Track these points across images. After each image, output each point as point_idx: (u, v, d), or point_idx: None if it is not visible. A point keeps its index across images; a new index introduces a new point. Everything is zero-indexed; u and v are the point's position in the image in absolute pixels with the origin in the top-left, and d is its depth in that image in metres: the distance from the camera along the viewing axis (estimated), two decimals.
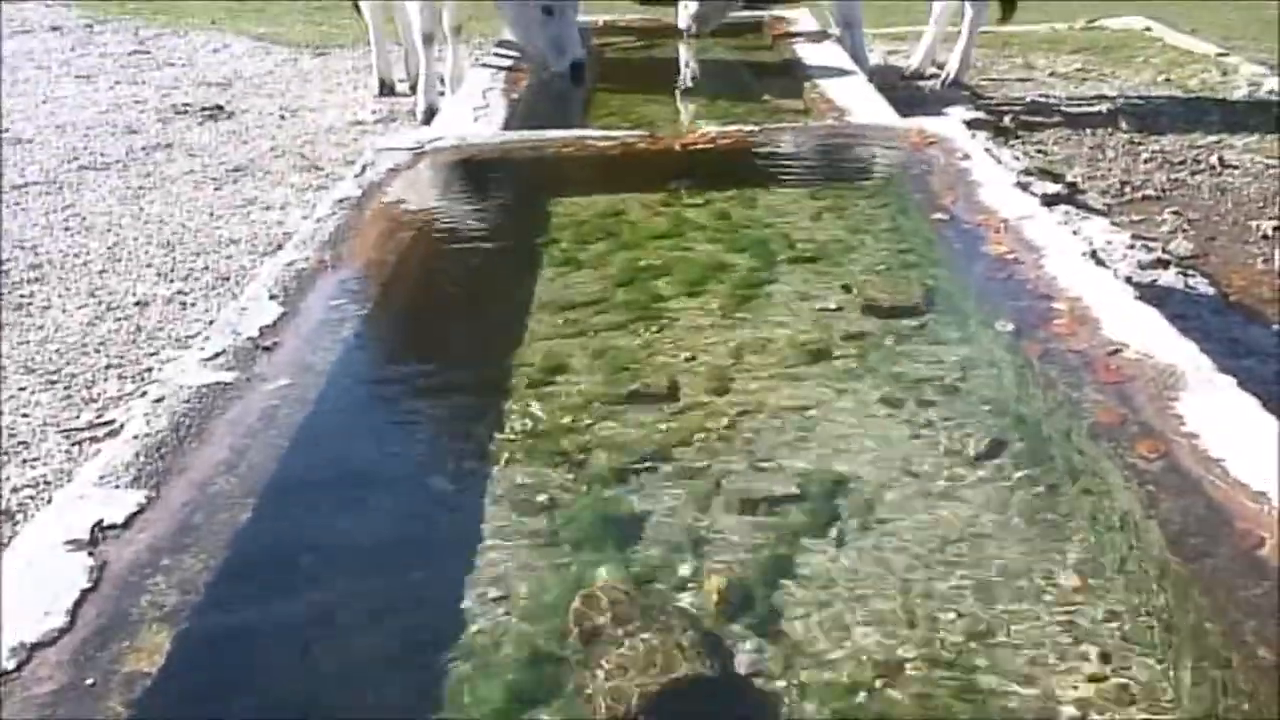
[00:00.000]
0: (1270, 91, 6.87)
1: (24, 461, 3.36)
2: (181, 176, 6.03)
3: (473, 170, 3.63)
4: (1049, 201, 4.48)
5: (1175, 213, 5.03)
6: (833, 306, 2.75)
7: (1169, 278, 4.28)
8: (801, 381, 2.43)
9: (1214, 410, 1.91)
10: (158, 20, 10.28)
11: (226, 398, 2.12)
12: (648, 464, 2.13)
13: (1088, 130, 6.25)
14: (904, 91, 6.63)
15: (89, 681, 1.45)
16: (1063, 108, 6.69)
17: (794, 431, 2.24)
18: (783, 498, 2.01)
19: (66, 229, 5.27)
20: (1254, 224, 4.87)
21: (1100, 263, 2.61)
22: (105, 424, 3.50)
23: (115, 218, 5.42)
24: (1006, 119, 6.39)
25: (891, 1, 9.07)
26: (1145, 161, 5.74)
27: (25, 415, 3.62)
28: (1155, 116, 6.47)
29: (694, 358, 2.54)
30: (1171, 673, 1.58)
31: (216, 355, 2.27)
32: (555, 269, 3.05)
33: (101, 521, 1.74)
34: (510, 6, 5.35)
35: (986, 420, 2.23)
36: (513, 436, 2.26)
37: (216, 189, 5.83)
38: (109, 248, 5.03)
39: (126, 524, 1.74)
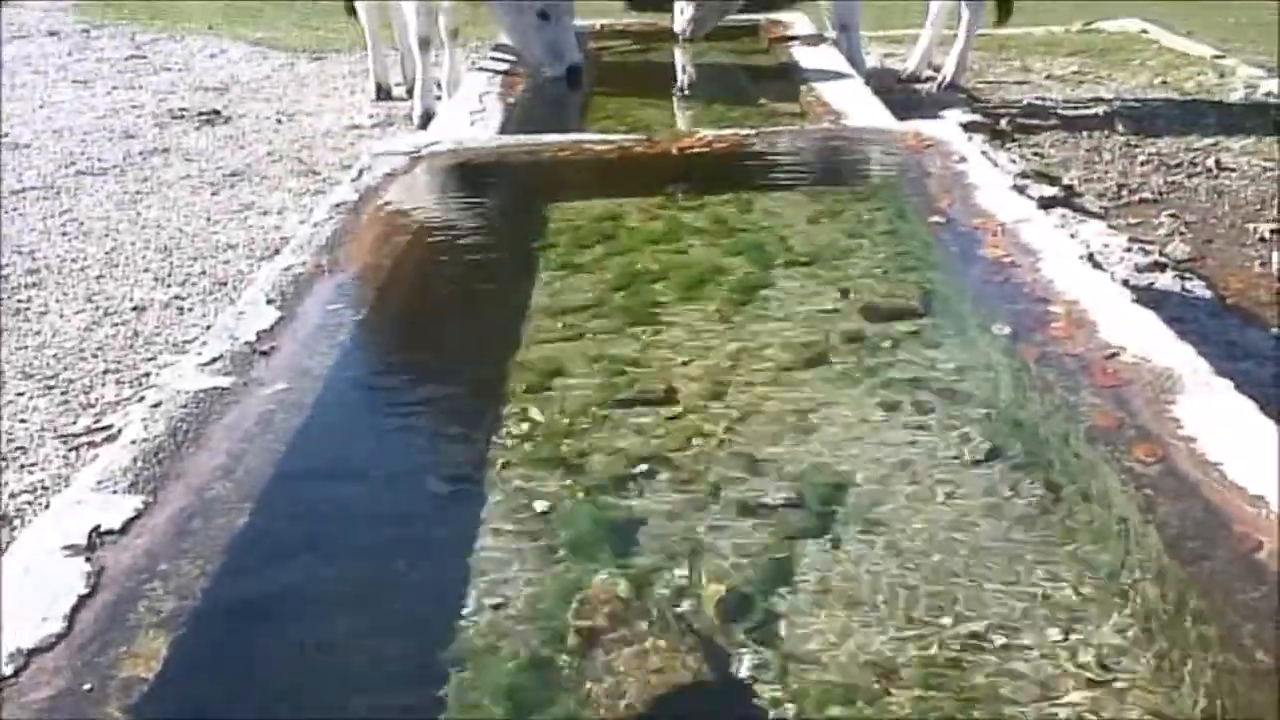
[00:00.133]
0: (1267, 94, 6.88)
1: (21, 467, 3.36)
2: (178, 181, 6.03)
3: (469, 174, 3.63)
4: (1046, 204, 4.48)
5: (1172, 215, 5.03)
6: (830, 310, 2.75)
7: (1166, 281, 4.28)
8: (798, 385, 2.43)
9: (1211, 413, 1.91)
10: (154, 25, 10.28)
11: (224, 403, 2.12)
12: (645, 468, 2.13)
13: (1084, 133, 6.26)
14: (900, 94, 6.63)
15: (86, 687, 1.44)
16: (1059, 110, 6.69)
17: (791, 435, 2.24)
18: (780, 502, 2.01)
19: (64, 234, 5.27)
20: (1251, 227, 4.87)
21: (1097, 266, 2.62)
22: (103, 429, 3.50)
23: (112, 223, 5.42)
24: (1003, 122, 6.40)
25: (888, 4, 9.08)
26: (1142, 164, 5.75)
27: (23, 420, 3.62)
28: (1152, 119, 6.47)
29: (691, 362, 2.54)
30: (1169, 677, 1.58)
31: (214, 360, 2.27)
32: (552, 273, 3.05)
33: (99, 527, 1.74)
34: (506, 11, 5.35)
35: (984, 424, 2.23)
36: (510, 441, 2.26)
37: (214, 194, 5.83)
38: (106, 253, 5.03)
39: (124, 529, 1.74)
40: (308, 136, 6.75)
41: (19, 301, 4.52)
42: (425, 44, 6.36)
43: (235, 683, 1.63)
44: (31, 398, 3.76)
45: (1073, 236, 3.56)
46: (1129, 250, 4.52)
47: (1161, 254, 4.55)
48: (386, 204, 3.22)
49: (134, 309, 4.44)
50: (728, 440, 2.23)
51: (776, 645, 1.68)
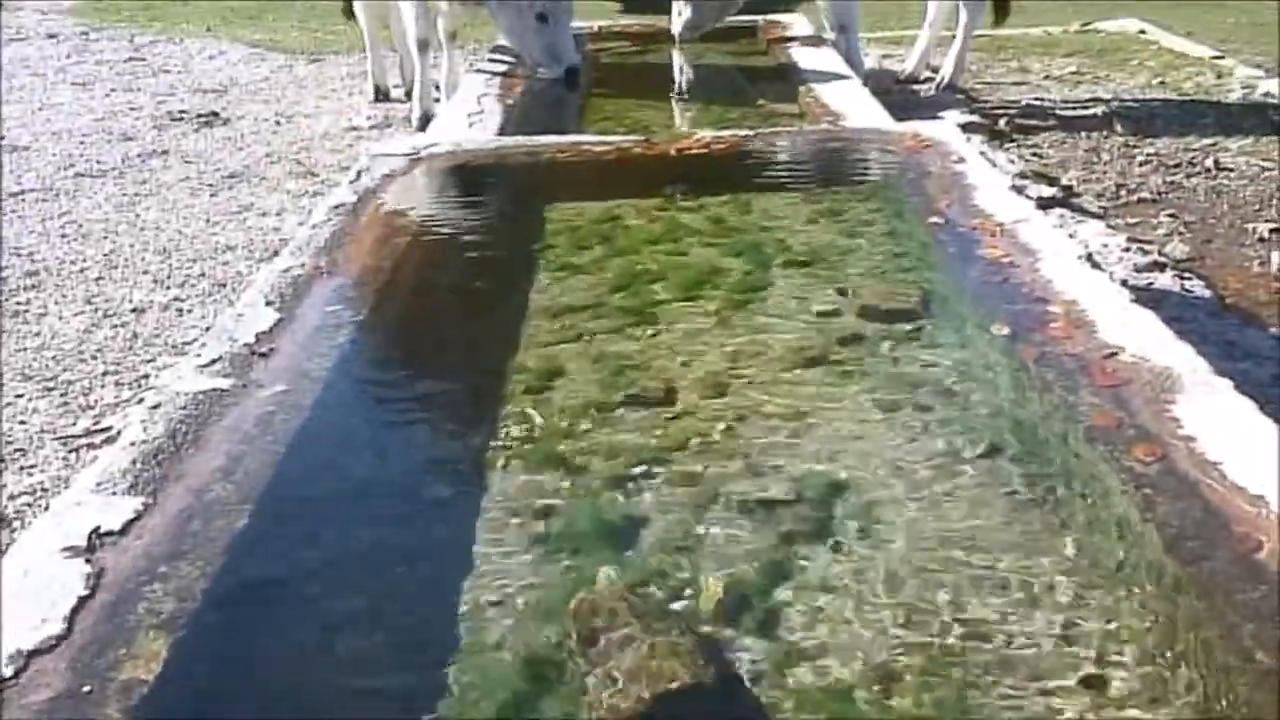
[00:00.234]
0: (1266, 94, 6.88)
1: (21, 469, 3.36)
2: (177, 183, 6.03)
3: (468, 176, 3.63)
4: (1044, 205, 4.48)
5: (1171, 215, 5.03)
6: (829, 310, 2.75)
7: (1165, 281, 4.28)
8: (798, 386, 2.43)
9: (1211, 413, 1.91)
10: (153, 27, 10.28)
11: (223, 404, 2.12)
12: (645, 469, 2.13)
13: (1083, 133, 6.25)
14: (899, 95, 6.62)
15: (86, 689, 1.44)
16: (1058, 111, 6.69)
17: (791, 436, 2.24)
18: (780, 502, 2.01)
19: (63, 236, 5.27)
20: (1250, 226, 4.87)
21: (1096, 266, 2.61)
22: (102, 431, 3.50)
23: (112, 225, 5.41)
24: (1002, 122, 6.39)
25: (886, 5, 9.08)
26: (1140, 164, 5.75)
27: (22, 422, 3.62)
28: (1150, 119, 6.47)
29: (690, 362, 2.54)
30: (1169, 676, 1.58)
31: (213, 362, 2.27)
32: (551, 274, 3.05)
33: (99, 528, 1.74)
34: (505, 12, 5.36)
35: (983, 424, 2.23)
36: (509, 442, 2.26)
37: (212, 195, 5.82)
38: (105, 255, 5.03)
39: (124, 531, 1.74)
40: (306, 138, 6.75)
41: (18, 303, 4.51)
42: (424, 46, 6.36)
43: (235, 684, 1.63)
44: (31, 399, 3.76)
45: (1071, 236, 3.56)
46: (1128, 250, 4.52)
47: (1160, 254, 4.55)
48: (385, 206, 3.22)
49: (133, 311, 4.44)
50: (727, 440, 2.23)
51: (776, 644, 1.68)
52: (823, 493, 2.03)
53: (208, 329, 3.55)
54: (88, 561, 1.67)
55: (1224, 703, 1.47)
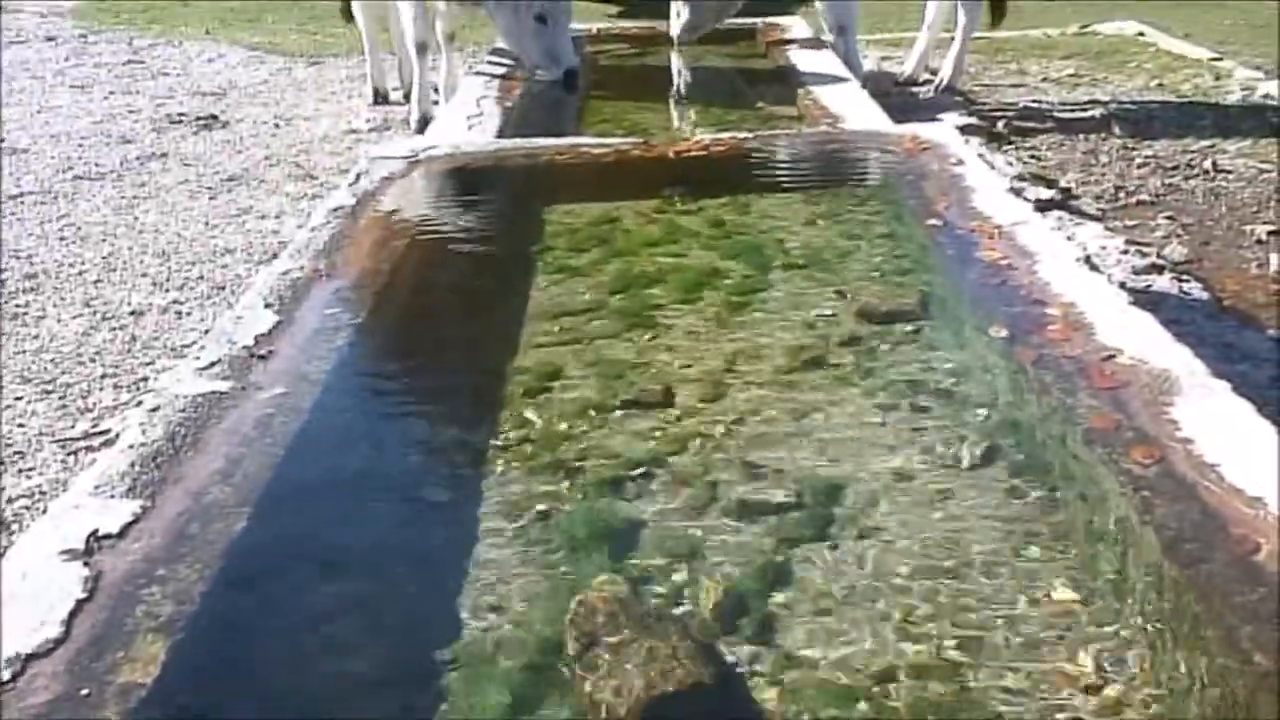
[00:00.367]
0: (1264, 96, 6.88)
1: (20, 471, 3.35)
2: (176, 186, 6.03)
3: (467, 178, 3.63)
4: (1042, 207, 4.48)
5: (1169, 218, 5.03)
6: (827, 313, 2.75)
7: (1163, 283, 4.28)
8: (796, 388, 2.43)
9: (1209, 415, 1.91)
10: (152, 30, 10.28)
11: (222, 407, 2.12)
12: (643, 471, 2.13)
13: (1081, 135, 6.26)
14: (897, 97, 6.62)
15: (84, 692, 1.44)
16: (1056, 113, 6.69)
17: (789, 438, 2.24)
18: (778, 504, 2.01)
19: (62, 239, 5.27)
20: (1248, 229, 4.87)
21: (1094, 268, 2.61)
22: (101, 434, 3.49)
23: (110, 227, 5.41)
24: (1000, 124, 6.40)
25: (885, 7, 9.09)
26: (1139, 166, 5.75)
27: (21, 425, 3.62)
28: (1148, 121, 6.47)
29: (689, 365, 2.54)
30: (1168, 679, 1.58)
31: (212, 364, 2.27)
32: (549, 277, 3.06)
33: (97, 531, 1.74)
34: (503, 14, 5.36)
35: (981, 426, 2.23)
36: (508, 444, 2.26)
37: (211, 198, 5.82)
38: (104, 257, 5.02)
39: (122, 534, 1.74)
40: (305, 141, 6.75)
41: (17, 306, 4.51)
42: (422, 48, 6.36)
43: (233, 687, 1.63)
44: (29, 402, 3.76)
45: (1070, 239, 3.56)
46: (1126, 252, 4.52)
47: (1159, 256, 4.55)
48: (384, 208, 3.22)
49: (132, 314, 4.43)
50: (725, 443, 2.23)
51: (774, 647, 1.68)
52: (821, 495, 2.04)
53: (206, 332, 3.55)
54: (86, 564, 1.67)
55: (1224, 705, 1.47)
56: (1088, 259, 2.67)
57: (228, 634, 1.67)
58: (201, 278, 4.78)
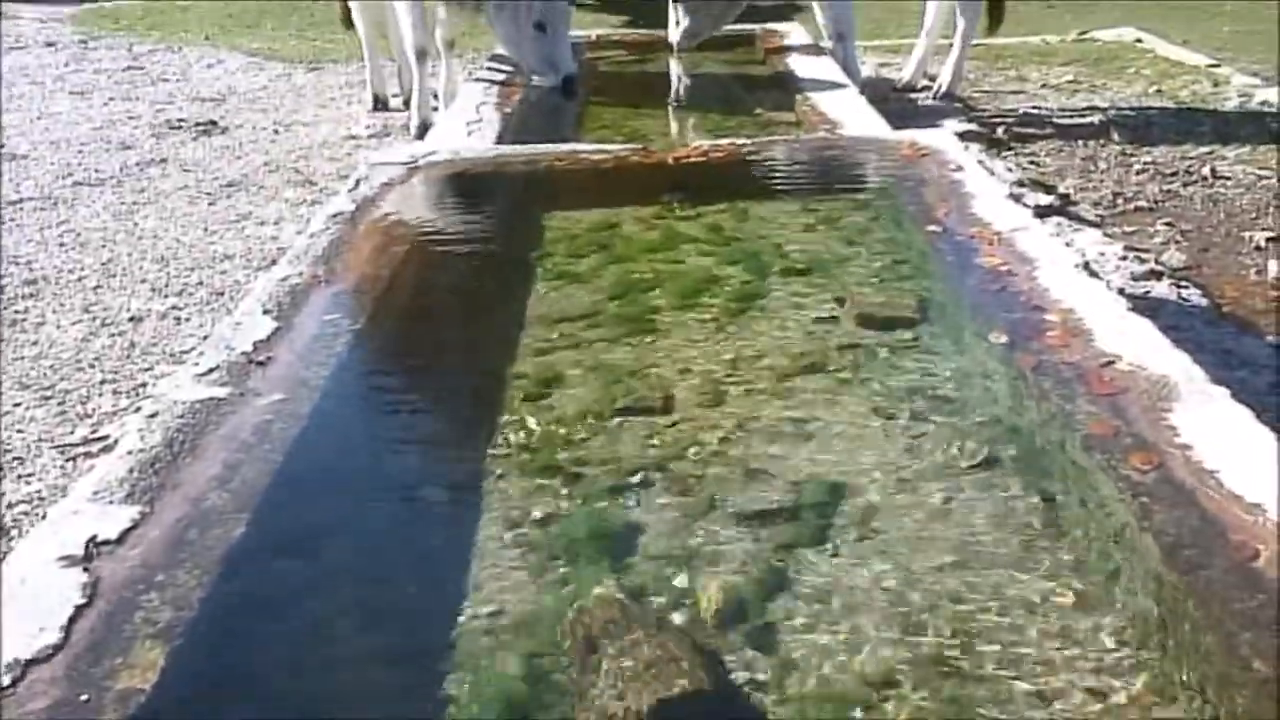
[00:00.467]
0: (1262, 103, 6.89)
1: (19, 477, 3.35)
2: (175, 192, 6.03)
3: (466, 184, 3.64)
4: (1041, 213, 4.49)
5: (1168, 224, 5.04)
6: (826, 318, 2.75)
7: (1162, 289, 4.29)
8: (795, 394, 2.43)
9: (1208, 422, 1.91)
10: (152, 36, 10.29)
11: (220, 413, 2.12)
12: (642, 477, 2.13)
13: (1080, 142, 6.27)
14: (896, 104, 6.64)
15: (83, 698, 1.44)
16: (1055, 119, 6.70)
17: (788, 444, 2.24)
18: (778, 510, 2.01)
19: (61, 245, 5.27)
20: (1247, 235, 4.88)
21: (1093, 274, 2.62)
22: (99, 439, 3.50)
23: (110, 233, 5.42)
24: (999, 131, 6.41)
25: (884, 14, 9.10)
26: (1137, 173, 5.76)
27: (20, 431, 3.62)
28: (1147, 128, 6.48)
29: (688, 370, 2.54)
30: (1167, 686, 1.58)
31: (210, 370, 2.27)
32: (549, 282, 3.06)
33: (96, 537, 1.74)
34: (503, 21, 5.37)
35: (980, 432, 2.23)
36: (507, 450, 2.26)
37: (210, 204, 5.83)
38: (103, 263, 5.03)
39: (120, 540, 1.74)
40: (305, 147, 6.75)
41: (16, 312, 4.51)
42: (422, 55, 6.36)
43: (231, 693, 1.63)
44: (28, 408, 3.76)
45: (1069, 245, 3.56)
46: (1125, 258, 4.52)
47: (1157, 262, 4.55)
48: (383, 214, 3.22)
49: (131, 319, 4.44)
50: (725, 448, 2.23)
51: (773, 654, 1.68)
52: (820, 501, 2.04)
53: (205, 338, 3.55)
54: (85, 570, 1.67)
55: (1222, 712, 1.47)
56: (1086, 265, 2.67)
57: (226, 640, 1.67)
58: (201, 283, 4.78)
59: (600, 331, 2.75)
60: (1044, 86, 7.55)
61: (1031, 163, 5.97)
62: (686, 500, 2.06)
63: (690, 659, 1.62)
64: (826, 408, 2.37)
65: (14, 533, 3.06)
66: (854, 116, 4.32)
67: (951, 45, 7.00)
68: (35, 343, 4.25)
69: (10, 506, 3.19)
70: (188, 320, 4.42)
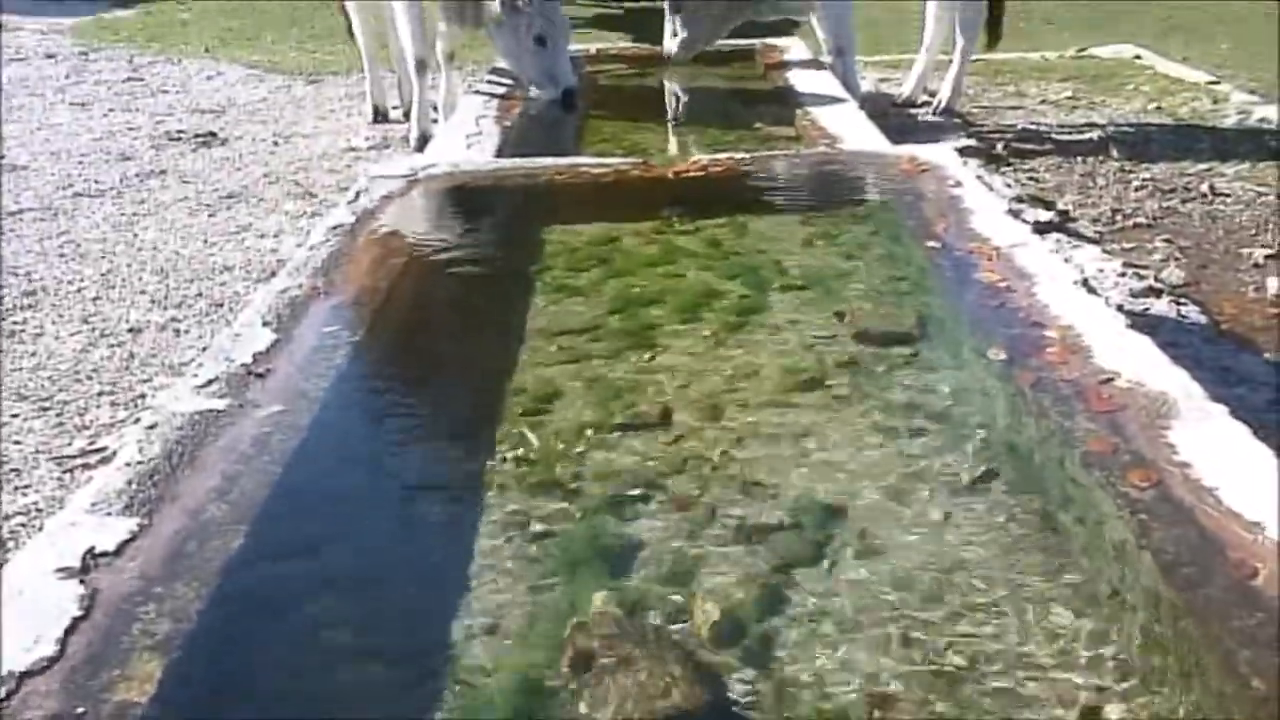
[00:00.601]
0: (1261, 120, 6.91)
1: (16, 489, 3.35)
2: (175, 203, 6.04)
3: (466, 197, 3.64)
4: (1040, 229, 4.49)
5: (1167, 241, 5.05)
6: (825, 334, 2.75)
7: (1161, 306, 4.29)
8: (794, 409, 2.43)
9: (1206, 439, 1.91)
10: (151, 48, 10.30)
11: (219, 425, 2.12)
12: (641, 491, 2.13)
13: (1079, 158, 6.28)
14: (896, 119, 6.64)
15: (79, 710, 1.44)
16: (1054, 135, 6.71)
17: (787, 459, 2.24)
18: (776, 525, 2.01)
19: (61, 255, 5.27)
20: (1245, 252, 4.88)
21: (1092, 291, 2.62)
22: (98, 451, 3.49)
23: (109, 245, 5.42)
24: (998, 146, 6.42)
25: (883, 29, 9.12)
26: (1136, 189, 5.76)
27: (18, 442, 3.61)
28: (1146, 144, 6.50)
29: (687, 385, 2.54)
30: (1165, 703, 1.57)
31: (209, 382, 2.27)
32: (548, 296, 3.06)
33: (93, 549, 1.74)
34: (503, 34, 5.38)
35: (979, 449, 2.23)
36: (505, 464, 2.26)
37: (210, 216, 5.83)
38: (103, 274, 5.03)
39: (118, 551, 1.74)
40: (304, 159, 6.76)
41: (15, 323, 4.51)
42: (422, 67, 6.38)
43: (229, 706, 1.63)
44: (26, 419, 3.76)
45: (1067, 261, 3.56)
46: (1124, 275, 4.53)
47: (1156, 279, 4.56)
48: (383, 226, 3.23)
49: (130, 331, 4.44)
50: (723, 463, 2.23)
51: (771, 669, 1.68)
52: (819, 517, 2.03)
53: (205, 349, 3.54)
54: (82, 582, 1.67)
55: None
56: (1085, 281, 2.68)
57: (224, 652, 1.66)
58: (200, 295, 4.78)
59: (599, 345, 2.75)
60: (1043, 102, 7.56)
61: (1030, 179, 5.98)
62: (685, 515, 2.05)
63: (687, 675, 1.62)
64: (825, 423, 2.37)
65: (11, 544, 3.05)
66: (853, 131, 4.33)
67: (951, 61, 7.01)
68: (34, 354, 4.24)
69: (7, 518, 3.19)
70: (187, 332, 4.42)
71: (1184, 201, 5.58)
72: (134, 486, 1.90)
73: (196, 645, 1.59)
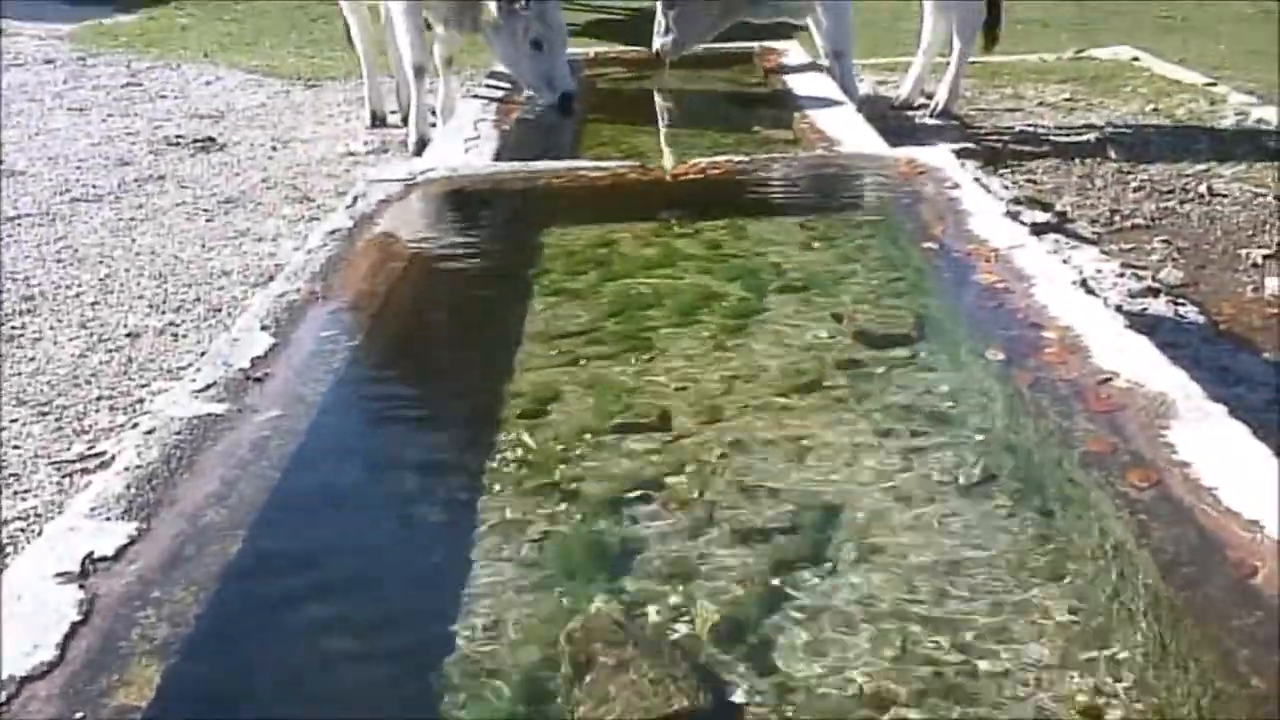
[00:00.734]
0: (1259, 121, 6.91)
1: (15, 493, 3.35)
2: (173, 208, 6.03)
3: (464, 201, 3.64)
4: (1038, 230, 4.48)
5: (1165, 241, 5.05)
6: (824, 336, 2.75)
7: (1159, 306, 4.29)
8: (793, 411, 2.43)
9: (1205, 439, 1.91)
10: (150, 53, 10.30)
11: (217, 429, 2.12)
12: (639, 494, 2.13)
13: (1077, 159, 6.28)
14: (893, 121, 6.65)
15: (78, 715, 1.44)
16: (1052, 137, 6.71)
17: (786, 461, 2.24)
18: (775, 527, 2.01)
19: (59, 261, 5.27)
20: (1243, 252, 4.89)
21: (1090, 291, 2.62)
22: (96, 456, 3.49)
23: (107, 249, 5.42)
24: (996, 148, 6.42)
25: (881, 32, 9.12)
26: (1134, 190, 5.76)
27: (16, 447, 3.61)
28: (1144, 145, 6.50)
29: (685, 387, 2.54)
30: (1165, 703, 1.57)
31: (208, 387, 2.27)
32: (546, 299, 3.06)
33: (92, 553, 1.74)
34: (500, 39, 5.38)
35: (978, 450, 2.23)
36: (504, 467, 2.26)
37: (208, 221, 5.83)
38: (101, 279, 5.03)
39: (117, 556, 1.74)
40: (303, 164, 6.76)
41: (13, 328, 4.51)
42: (420, 71, 6.37)
43: (228, 710, 1.63)
44: (25, 424, 3.76)
45: (1065, 262, 3.56)
46: (1122, 276, 4.53)
47: (1154, 280, 4.56)
48: (381, 231, 3.23)
49: (128, 335, 4.43)
50: (722, 466, 2.23)
51: (771, 671, 1.68)
52: (818, 518, 2.03)
53: (203, 354, 3.54)
54: (81, 587, 1.67)
55: None
56: (1084, 282, 2.68)
57: (223, 656, 1.66)
58: (198, 300, 4.78)
59: (598, 348, 2.75)
60: (1041, 104, 7.57)
61: (1028, 180, 5.98)
62: (684, 517, 2.05)
63: (687, 676, 1.62)
64: (824, 425, 2.36)
65: (10, 549, 3.05)
66: (851, 134, 4.33)
67: (948, 63, 7.01)
68: (32, 358, 4.24)
69: (6, 523, 3.19)
70: (185, 336, 4.42)
71: (1182, 202, 5.58)
72: (133, 491, 1.90)
73: (195, 649, 1.59)
